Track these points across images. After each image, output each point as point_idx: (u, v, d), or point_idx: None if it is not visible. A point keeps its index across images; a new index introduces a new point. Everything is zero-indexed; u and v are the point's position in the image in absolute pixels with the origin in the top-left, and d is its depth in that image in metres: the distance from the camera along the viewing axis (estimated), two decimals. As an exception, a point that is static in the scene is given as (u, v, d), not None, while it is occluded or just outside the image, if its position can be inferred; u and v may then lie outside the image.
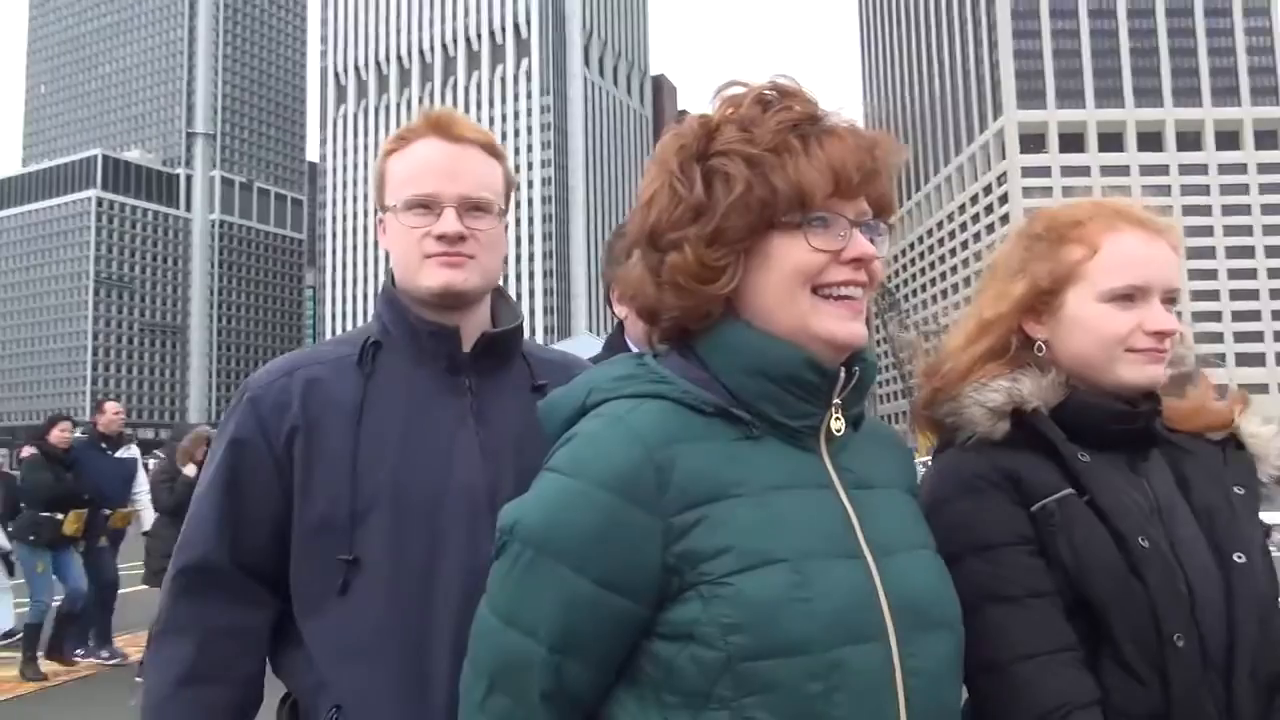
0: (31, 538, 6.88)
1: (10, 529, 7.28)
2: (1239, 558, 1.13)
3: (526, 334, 1.37)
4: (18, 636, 7.34)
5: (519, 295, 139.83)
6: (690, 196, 1.01)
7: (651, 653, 0.96)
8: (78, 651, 7.17)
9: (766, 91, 1.03)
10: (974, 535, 1.14)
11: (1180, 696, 1.08)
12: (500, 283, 1.39)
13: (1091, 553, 1.12)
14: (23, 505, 7.10)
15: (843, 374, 1.03)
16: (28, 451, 7.32)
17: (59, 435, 7.10)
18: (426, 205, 1.32)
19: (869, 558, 0.97)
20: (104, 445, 7.26)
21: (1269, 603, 1.14)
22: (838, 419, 1.02)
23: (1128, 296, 1.21)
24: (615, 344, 1.88)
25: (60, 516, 6.80)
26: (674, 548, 0.94)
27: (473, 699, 1.01)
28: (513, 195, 1.40)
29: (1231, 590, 1.12)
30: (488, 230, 1.35)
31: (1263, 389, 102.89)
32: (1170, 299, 1.23)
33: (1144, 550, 1.11)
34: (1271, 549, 1.19)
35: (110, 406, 7.53)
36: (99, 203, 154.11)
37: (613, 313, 1.79)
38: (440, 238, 1.31)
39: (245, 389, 1.33)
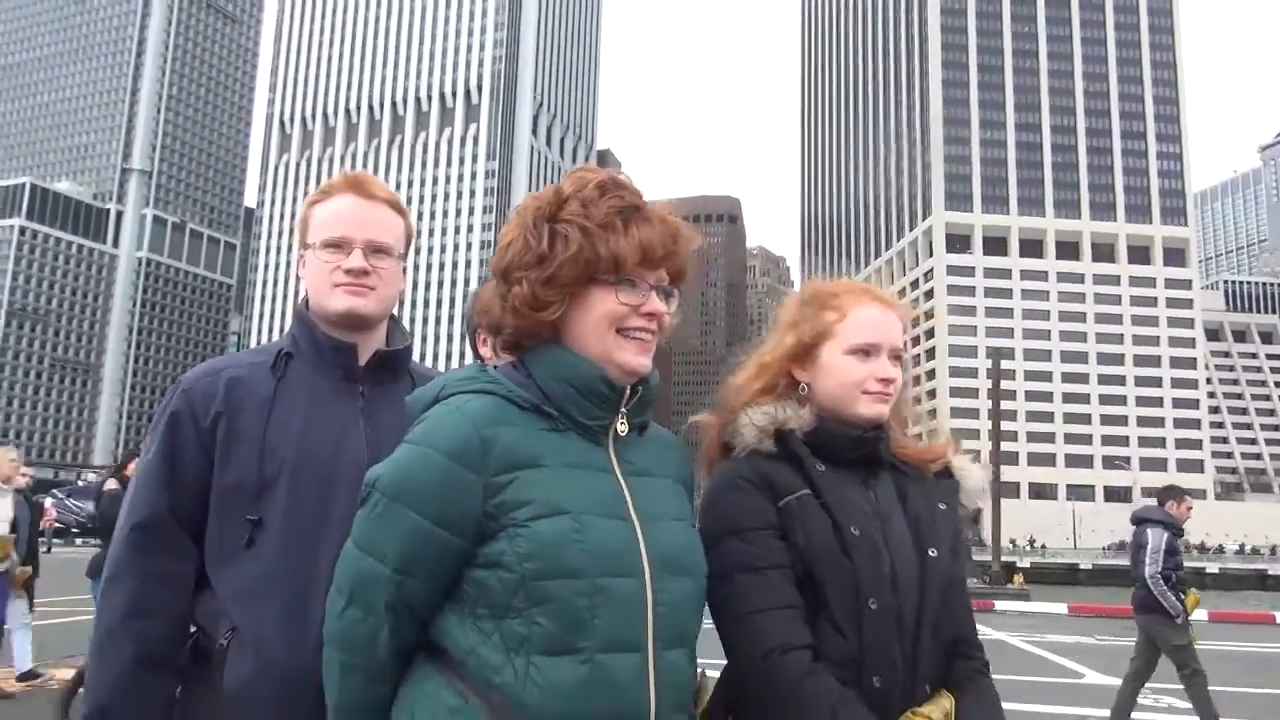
0: None
1: (88, 570, 6.93)
2: (932, 552, 1.48)
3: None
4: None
5: (450, 355, 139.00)
6: (537, 247, 1.30)
7: (470, 577, 1.23)
8: None
9: (606, 181, 1.33)
10: (734, 521, 1.46)
11: (870, 646, 1.41)
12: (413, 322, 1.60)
13: (815, 537, 1.44)
14: (98, 542, 6.75)
15: (628, 391, 1.33)
16: (112, 486, 6.92)
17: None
18: (339, 245, 1.62)
19: (635, 521, 1.27)
20: None
21: (953, 584, 1.50)
22: (623, 423, 1.33)
23: (865, 351, 1.55)
24: None
25: None
26: (491, 500, 1.23)
27: (334, 611, 1.26)
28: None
29: (925, 573, 1.47)
30: (387, 269, 1.65)
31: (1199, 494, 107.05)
32: (896, 356, 1.58)
33: (854, 537, 1.44)
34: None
35: None
36: (21, 231, 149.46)
37: (477, 355, 1.97)
38: (348, 271, 1.61)
39: (180, 384, 1.60)
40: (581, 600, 1.19)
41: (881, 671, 1.42)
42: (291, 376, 1.60)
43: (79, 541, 31.86)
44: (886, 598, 1.43)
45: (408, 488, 1.23)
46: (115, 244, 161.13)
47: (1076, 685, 9.58)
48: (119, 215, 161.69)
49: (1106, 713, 7.64)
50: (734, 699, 1.45)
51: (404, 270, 1.73)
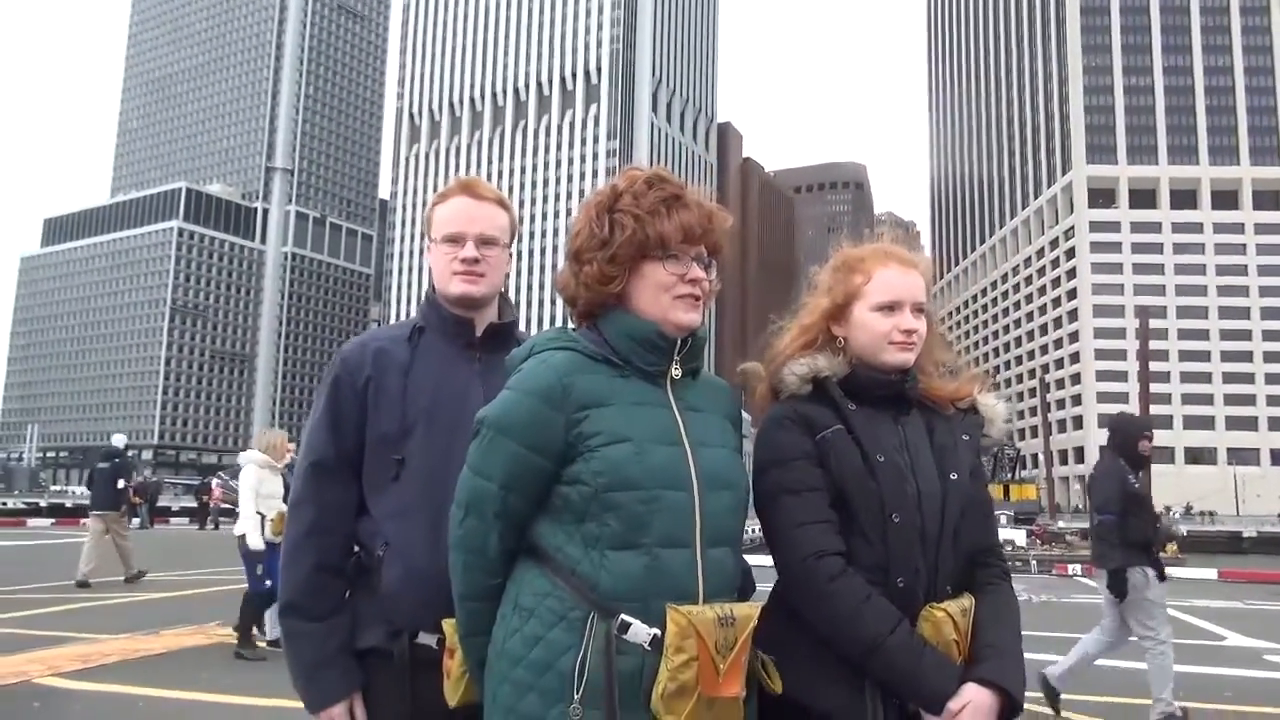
0: None
1: None
2: (953, 475, 1.72)
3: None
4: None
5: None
6: (600, 234, 1.60)
7: (558, 492, 1.52)
8: None
9: (652, 176, 1.64)
10: (778, 452, 1.71)
11: (894, 552, 1.65)
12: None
13: (846, 463, 1.68)
14: None
15: (679, 342, 1.61)
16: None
17: None
18: (455, 239, 1.94)
19: (687, 447, 1.55)
20: None
21: (971, 502, 1.73)
22: (677, 369, 1.62)
23: (889, 307, 1.77)
24: None
25: None
26: (571, 431, 1.51)
27: (455, 522, 1.58)
28: (517, 233, 2.06)
29: (947, 493, 1.70)
30: (495, 256, 1.97)
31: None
32: (918, 309, 1.79)
33: (879, 463, 1.68)
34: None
35: None
36: (180, 233, 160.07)
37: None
38: (463, 260, 1.92)
39: (339, 354, 1.94)
40: (641, 507, 1.47)
41: (905, 574, 1.65)
42: (424, 346, 1.92)
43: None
44: (909, 513, 1.66)
45: (508, 423, 1.52)
46: (263, 240, 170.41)
47: (1216, 647, 8.97)
48: (265, 213, 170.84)
49: (1244, 672, 7.17)
50: (783, 600, 1.69)
51: (510, 256, 2.05)
